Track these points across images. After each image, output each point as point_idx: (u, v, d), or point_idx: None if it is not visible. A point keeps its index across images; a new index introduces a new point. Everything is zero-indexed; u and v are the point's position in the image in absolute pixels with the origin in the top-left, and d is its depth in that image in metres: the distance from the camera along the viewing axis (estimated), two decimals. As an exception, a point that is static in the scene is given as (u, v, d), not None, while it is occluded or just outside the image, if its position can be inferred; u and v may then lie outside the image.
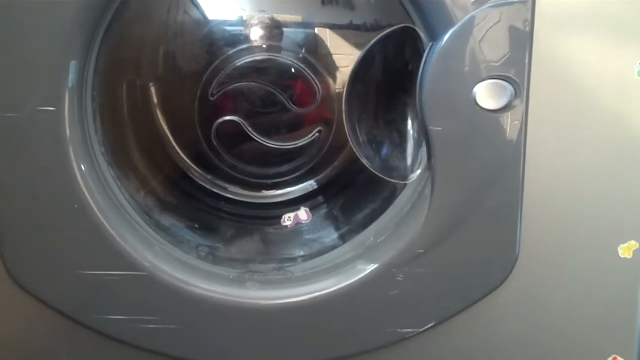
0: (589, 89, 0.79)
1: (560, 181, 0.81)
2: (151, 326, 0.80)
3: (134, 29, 0.91)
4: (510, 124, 0.76)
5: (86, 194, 0.77)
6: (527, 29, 0.75)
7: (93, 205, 0.77)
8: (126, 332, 0.81)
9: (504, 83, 0.75)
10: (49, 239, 0.79)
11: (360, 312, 0.81)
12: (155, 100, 0.97)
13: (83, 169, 0.77)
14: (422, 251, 0.79)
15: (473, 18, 0.74)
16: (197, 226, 0.95)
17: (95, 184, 0.79)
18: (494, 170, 0.78)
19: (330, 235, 0.94)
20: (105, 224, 0.78)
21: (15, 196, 0.78)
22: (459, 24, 0.74)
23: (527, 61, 0.76)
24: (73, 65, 0.75)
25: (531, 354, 0.86)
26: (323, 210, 1.00)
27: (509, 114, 0.76)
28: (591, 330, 0.85)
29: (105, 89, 0.85)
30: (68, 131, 0.76)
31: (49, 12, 0.73)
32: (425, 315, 0.82)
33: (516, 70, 0.75)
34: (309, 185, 1.02)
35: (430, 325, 0.82)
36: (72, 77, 0.75)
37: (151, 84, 0.97)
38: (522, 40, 0.75)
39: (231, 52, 0.94)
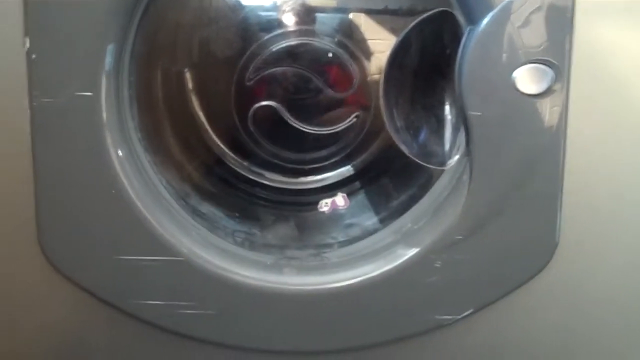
0: (630, 75, 0.78)
1: (601, 167, 0.80)
2: (188, 311, 0.80)
3: (170, 13, 0.91)
4: (550, 108, 0.75)
5: (123, 179, 0.77)
6: (568, 12, 0.74)
7: (130, 190, 0.78)
8: (163, 317, 0.81)
9: (544, 67, 0.74)
10: (86, 224, 0.79)
11: (398, 298, 0.81)
12: (191, 86, 0.97)
13: (120, 154, 0.77)
14: (460, 237, 0.79)
15: (512, 2, 0.73)
16: (234, 213, 0.94)
17: (131, 169, 0.79)
18: (533, 155, 0.77)
19: (367, 221, 0.93)
20: (142, 209, 0.78)
21: (52, 182, 0.78)
22: (498, 8, 0.73)
23: (567, 45, 0.75)
24: (110, 49, 0.75)
25: (570, 342, 0.85)
26: (360, 196, 0.99)
27: (549, 98, 0.75)
28: (632, 318, 0.84)
29: (142, 75, 0.85)
30: (105, 116, 0.76)
31: (86, -4, 0.73)
32: (463, 302, 0.81)
33: (556, 54, 0.74)
34: (346, 170, 1.01)
35: (468, 312, 0.81)
36: (109, 61, 0.75)
37: (186, 70, 0.97)
38: (562, 24, 0.74)
39: (266, 37, 0.94)
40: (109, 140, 0.77)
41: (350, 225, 0.94)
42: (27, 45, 0.74)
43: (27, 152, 0.77)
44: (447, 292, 0.81)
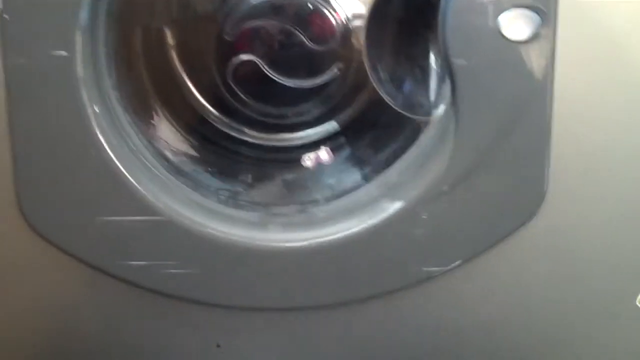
0: (619, 21, 0.76)
1: (589, 115, 0.79)
2: (173, 271, 0.80)
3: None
4: (537, 55, 0.74)
5: (101, 138, 0.76)
6: (552, -47, 0.72)
7: (109, 149, 0.76)
8: (148, 277, 0.80)
9: (530, 12, 0.72)
10: (66, 185, 0.78)
11: (385, 251, 0.80)
12: (170, 42, 0.95)
13: (97, 113, 0.76)
14: (446, 188, 0.78)
15: (496, -56, 0.71)
16: (216, 170, 0.93)
17: (110, 128, 0.77)
18: (520, 103, 0.76)
19: (353, 176, 0.92)
20: (122, 168, 0.77)
21: (30, 144, 0.76)
22: (482, -49, 0.71)
23: (553, -14, 0.73)
24: (85, 3, 0.73)
25: (560, 291, 0.85)
26: (345, 152, 0.98)
27: (536, 44, 0.73)
28: (622, 267, 0.84)
29: (119, 32, 0.84)
30: (81, 75, 0.74)
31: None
32: (451, 253, 0.80)
33: (543, -1, 0.72)
34: (330, 126, 1.00)
35: (457, 263, 0.80)
36: (84, 16, 0.73)
37: (165, 26, 0.95)
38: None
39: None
40: (85, 99, 0.75)
41: (336, 181, 0.93)
42: (0, 5, 0.72)
43: (2, 114, 0.75)
44: (434, 244, 0.80)
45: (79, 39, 0.74)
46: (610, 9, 0.76)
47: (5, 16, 0.72)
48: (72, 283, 0.84)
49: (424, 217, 0.78)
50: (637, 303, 0.84)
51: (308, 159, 0.95)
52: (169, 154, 0.90)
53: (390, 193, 0.81)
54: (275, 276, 0.81)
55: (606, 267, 0.84)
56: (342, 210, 0.83)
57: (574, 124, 0.79)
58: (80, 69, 0.74)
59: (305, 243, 0.80)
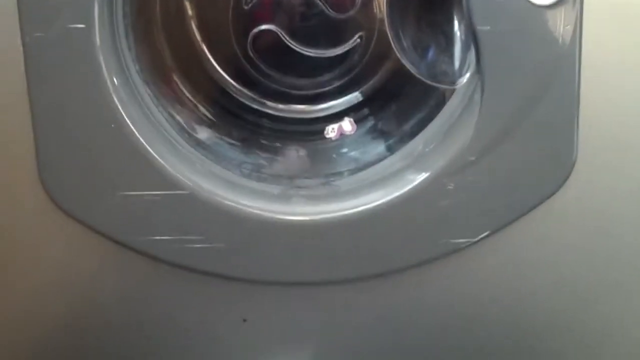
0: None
1: (619, 81, 0.77)
2: (196, 245, 0.79)
3: None
4: (564, 20, 0.72)
5: (122, 112, 0.75)
6: None
7: (130, 123, 0.75)
8: (171, 252, 0.80)
9: (557, -25, 0.71)
10: (88, 160, 0.77)
11: (411, 223, 0.79)
12: (190, 13, 0.94)
13: (117, 84, 0.75)
14: (473, 158, 0.76)
15: None
16: (238, 143, 0.92)
17: (131, 102, 0.77)
18: (548, 70, 0.74)
19: (377, 148, 0.91)
20: (144, 142, 0.76)
21: (50, 118, 0.76)
22: None
23: (580, -51, 0.71)
24: (102, -25, 0.72)
25: (590, 262, 0.83)
26: (369, 123, 0.97)
27: (562, 9, 0.72)
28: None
29: (137, 3, 0.82)
30: (99, 48, 0.73)
31: None
32: (478, 224, 0.79)
33: (569, -39, 0.71)
34: (354, 97, 0.99)
35: (484, 234, 0.79)
36: (100, -12, 0.72)
37: (185, -4, 0.94)
38: None
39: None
40: (105, 72, 0.74)
41: (360, 153, 0.92)
42: (17, -21, 0.71)
43: (22, 88, 0.75)
44: (461, 215, 0.79)
45: (96, 11, 0.73)
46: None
47: (22, -12, 0.72)
48: (94, 258, 0.84)
49: (450, 187, 0.77)
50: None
51: (331, 130, 0.94)
52: (190, 127, 0.89)
53: (416, 164, 0.80)
54: (299, 250, 0.80)
55: (638, 239, 0.82)
56: (367, 183, 0.82)
57: (603, 91, 0.77)
58: (98, 41, 0.73)
59: (329, 216, 0.79)
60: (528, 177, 0.78)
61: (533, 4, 0.71)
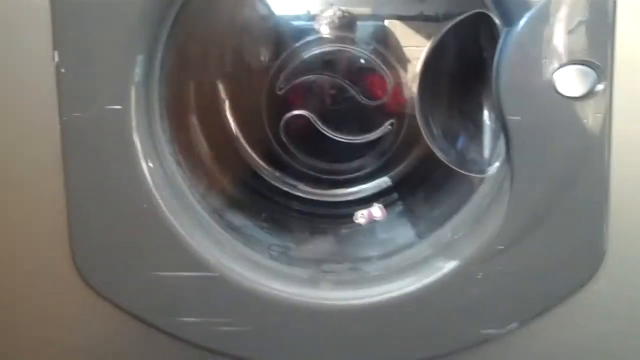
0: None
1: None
2: (224, 328, 0.79)
3: (200, 23, 0.90)
4: (593, 111, 0.73)
5: (155, 193, 0.76)
6: (610, 9, 0.71)
7: (162, 204, 0.76)
8: (199, 334, 0.80)
9: (586, 68, 0.71)
10: (119, 240, 0.78)
11: (439, 312, 0.78)
12: (223, 96, 0.96)
13: (151, 167, 0.76)
14: (502, 247, 0.76)
15: (550, 1, 0.70)
16: (268, 225, 0.93)
17: (163, 183, 0.78)
18: (577, 160, 0.74)
19: (406, 233, 0.91)
20: (175, 223, 0.77)
21: (85, 197, 0.77)
22: (536, 7, 0.71)
23: (609, 44, 0.72)
24: (139, 60, 0.74)
25: (620, 357, 0.82)
26: (398, 208, 0.97)
27: (592, 100, 0.72)
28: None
29: (172, 86, 0.84)
30: (135, 129, 0.75)
31: (115, 7, 0.72)
32: (507, 315, 0.78)
33: (598, 54, 0.71)
34: (383, 181, 1.00)
35: (513, 325, 0.78)
36: (138, 73, 0.74)
37: (218, 81, 0.96)
38: (604, 22, 0.71)
39: (298, 44, 0.92)
40: (140, 153, 0.76)
41: (389, 238, 0.92)
42: (56, 58, 0.74)
43: (58, 167, 0.76)
44: (490, 305, 0.78)
45: (133, 93, 0.75)
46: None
47: (62, 69, 0.74)
48: (123, 337, 0.83)
49: (479, 276, 0.77)
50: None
51: (361, 216, 0.94)
52: (220, 209, 0.90)
53: (445, 251, 0.80)
54: (326, 335, 0.80)
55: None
56: (395, 269, 0.82)
57: (634, 181, 0.77)
58: (134, 123, 0.75)
59: (357, 302, 0.79)
60: (558, 268, 0.77)
61: (563, 95, 0.72)
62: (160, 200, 0.77)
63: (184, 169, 0.84)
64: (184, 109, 0.93)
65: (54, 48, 0.73)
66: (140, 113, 0.76)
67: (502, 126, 0.74)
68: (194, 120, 0.94)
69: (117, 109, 0.74)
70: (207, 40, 0.94)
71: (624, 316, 0.80)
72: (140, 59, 0.74)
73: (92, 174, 0.76)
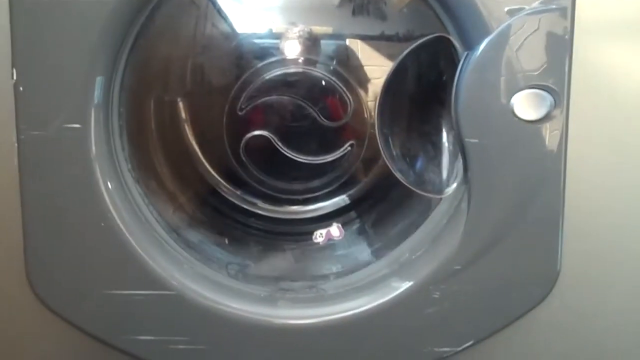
0: (632, 97, 0.77)
1: (603, 194, 0.79)
2: (180, 347, 0.78)
3: (160, 43, 0.89)
4: (549, 134, 0.74)
5: (113, 211, 0.76)
6: (567, 36, 0.73)
7: (120, 223, 0.76)
8: (155, 353, 0.79)
9: (543, 92, 0.73)
10: (76, 258, 0.77)
11: (395, 331, 0.79)
12: (184, 115, 0.96)
13: (109, 186, 0.76)
14: (459, 267, 0.77)
15: (509, 26, 0.72)
16: (226, 242, 0.93)
17: (122, 201, 0.77)
18: (533, 183, 0.75)
19: (364, 252, 0.92)
20: (133, 242, 0.76)
21: (41, 214, 0.76)
22: (495, 33, 0.72)
23: (566, 69, 0.73)
24: (99, 81, 0.74)
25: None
26: (355, 226, 0.98)
27: (548, 124, 0.74)
28: (638, 348, 0.82)
29: (132, 105, 0.84)
30: (94, 148, 0.75)
31: (74, 28, 0.72)
32: (463, 334, 0.79)
33: (555, 79, 0.73)
34: (341, 200, 1.00)
35: (469, 344, 0.79)
36: (97, 93, 0.74)
37: (179, 99, 0.96)
38: (561, 48, 0.73)
39: (260, 65, 0.92)
40: (98, 172, 0.75)
41: (346, 256, 0.92)
42: (15, 76, 0.73)
43: (14, 185, 0.75)
44: (446, 323, 0.79)
45: (92, 113, 0.74)
46: (623, 86, 0.76)
47: (20, 87, 0.73)
48: (77, 355, 0.83)
49: (436, 296, 0.77)
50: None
51: (319, 235, 0.95)
52: (179, 227, 0.89)
53: (401, 271, 0.80)
54: (284, 354, 0.80)
55: (622, 349, 0.82)
56: (352, 288, 0.82)
57: (587, 203, 0.78)
58: (93, 141, 0.75)
59: (314, 320, 0.79)
60: (513, 287, 0.78)
61: (520, 119, 0.73)
62: (117, 218, 0.76)
63: (142, 187, 0.84)
64: (143, 127, 0.92)
65: (13, 66, 0.73)
66: (99, 131, 0.75)
67: (460, 148, 0.75)
68: (153, 138, 0.94)
69: (76, 128, 0.74)
70: (168, 59, 0.93)
71: (577, 335, 0.82)
72: (99, 80, 0.74)
73: (49, 192, 0.76)
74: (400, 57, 0.82)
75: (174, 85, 0.96)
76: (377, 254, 0.89)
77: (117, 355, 0.80)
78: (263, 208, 0.99)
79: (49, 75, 0.73)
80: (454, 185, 0.80)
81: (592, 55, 0.75)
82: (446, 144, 0.83)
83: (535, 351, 0.82)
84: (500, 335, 0.80)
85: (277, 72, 0.92)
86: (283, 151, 0.93)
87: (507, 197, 0.76)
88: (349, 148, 0.95)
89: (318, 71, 0.93)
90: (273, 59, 0.93)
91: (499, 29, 0.72)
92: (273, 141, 0.92)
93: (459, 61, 0.75)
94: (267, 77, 0.92)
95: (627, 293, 0.81)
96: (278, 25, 0.94)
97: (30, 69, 0.73)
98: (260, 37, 0.95)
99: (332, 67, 0.94)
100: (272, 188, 0.97)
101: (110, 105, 0.78)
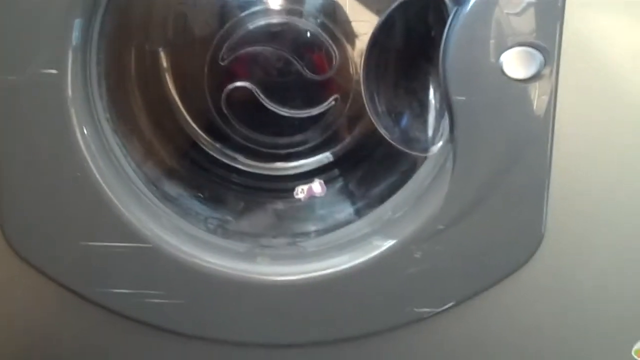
0: (620, 63, 0.75)
1: (589, 156, 0.77)
2: (156, 300, 0.77)
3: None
4: (538, 94, 0.72)
5: (89, 160, 0.74)
6: (559, -4, 0.71)
7: (96, 172, 0.74)
8: (130, 306, 0.78)
9: (533, 51, 0.71)
10: (51, 209, 0.76)
11: (376, 290, 0.78)
12: (165, 65, 0.94)
13: (86, 134, 0.74)
14: (442, 227, 0.76)
15: (500, -18, 0.70)
16: (205, 196, 0.91)
17: (98, 151, 0.75)
18: (520, 143, 0.74)
19: (346, 210, 0.91)
20: (109, 192, 0.75)
21: (15, 163, 0.75)
22: (486, -12, 0.70)
23: (558, 28, 0.71)
24: (77, 23, 0.72)
25: (556, 336, 0.82)
26: (338, 184, 0.97)
27: (537, 83, 0.72)
28: (619, 312, 0.82)
29: (112, 52, 0.82)
30: (70, 95, 0.73)
31: (52, -33, 0.69)
32: (444, 294, 0.78)
33: (546, 38, 0.71)
34: (324, 157, 0.99)
35: (450, 304, 0.78)
36: (75, 36, 0.72)
37: (161, 49, 0.94)
38: (553, 8, 0.71)
39: (244, 14, 0.90)
40: (74, 120, 0.73)
41: (328, 214, 0.92)
42: (-11, 22, 0.71)
43: (-11, 131, 0.73)
44: (427, 284, 0.78)
45: (70, 58, 0.72)
46: (613, 49, 0.75)
47: (-5, 32, 0.71)
48: (51, 307, 0.82)
49: (417, 256, 0.76)
50: (633, 353, 0.82)
51: (301, 191, 0.93)
52: (157, 179, 0.88)
53: (383, 230, 0.79)
54: (262, 311, 0.79)
55: (604, 313, 0.82)
56: (333, 246, 0.81)
57: (574, 164, 0.77)
58: (70, 88, 0.73)
59: (293, 278, 0.78)
60: (497, 248, 0.78)
61: (509, 77, 0.71)
62: (94, 169, 0.74)
63: (120, 137, 0.82)
64: (123, 76, 0.90)
65: (-14, 9, 0.71)
66: (76, 78, 0.73)
67: (447, 106, 0.74)
68: (133, 87, 0.92)
69: (53, 73, 0.72)
70: (149, 6, 0.91)
71: (560, 297, 0.81)
72: (78, 22, 0.72)
73: (24, 140, 0.74)
74: (388, 10, 0.80)
75: (156, 34, 0.94)
76: (359, 213, 0.88)
77: (93, 307, 0.79)
78: (244, 163, 0.98)
79: (23, 17, 0.70)
80: (440, 143, 0.78)
81: (583, 17, 0.73)
82: (433, 102, 0.82)
83: (517, 313, 0.81)
84: (482, 297, 0.79)
85: (262, 22, 0.90)
86: (265, 104, 0.91)
87: (493, 157, 0.75)
88: (333, 102, 0.94)
89: (304, 23, 0.92)
90: (257, 7, 0.91)
91: (490, -16, 0.70)
92: (255, 93, 0.91)
93: (448, 17, 0.73)
94: (251, 27, 0.90)
95: (611, 256, 0.80)
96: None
97: (3, 10, 0.70)
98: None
99: (319, 20, 0.92)
100: (253, 142, 0.95)
101: (89, 51, 0.75)
